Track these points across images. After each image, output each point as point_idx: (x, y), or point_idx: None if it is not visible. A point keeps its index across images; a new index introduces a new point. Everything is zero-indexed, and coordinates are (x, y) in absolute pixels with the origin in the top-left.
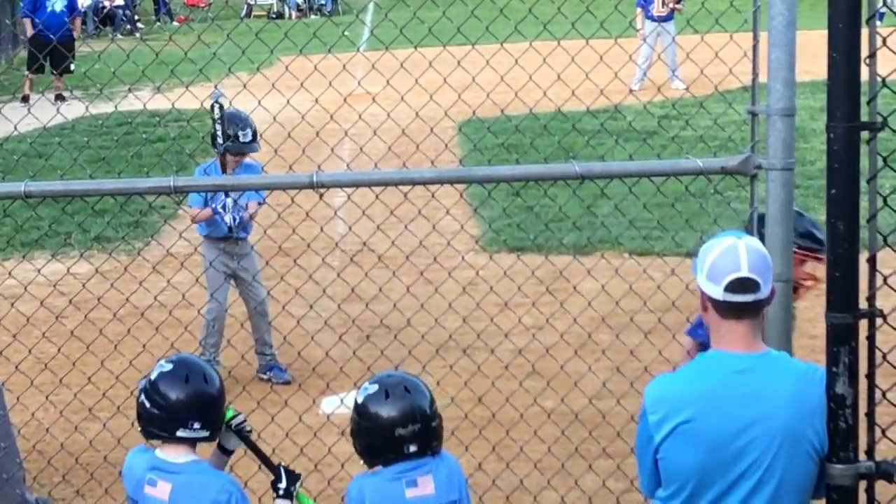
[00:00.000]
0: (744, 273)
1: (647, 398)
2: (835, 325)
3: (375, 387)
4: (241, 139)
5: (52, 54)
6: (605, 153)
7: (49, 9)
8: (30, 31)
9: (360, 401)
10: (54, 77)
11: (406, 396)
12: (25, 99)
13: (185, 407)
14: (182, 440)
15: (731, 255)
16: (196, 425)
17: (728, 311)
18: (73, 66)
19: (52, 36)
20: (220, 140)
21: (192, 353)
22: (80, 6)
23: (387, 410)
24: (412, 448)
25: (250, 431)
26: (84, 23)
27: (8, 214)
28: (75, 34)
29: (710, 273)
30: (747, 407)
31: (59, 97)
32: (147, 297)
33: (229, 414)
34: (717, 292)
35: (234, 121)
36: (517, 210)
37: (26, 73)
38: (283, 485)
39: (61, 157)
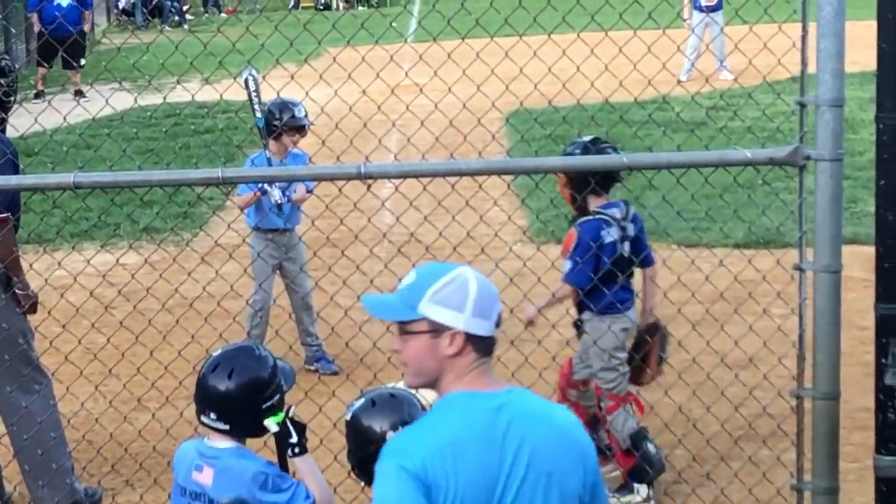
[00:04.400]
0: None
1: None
2: (884, 316)
3: (361, 400)
4: (296, 114)
5: (68, 51)
6: (653, 144)
7: (55, 2)
8: (37, 27)
9: (348, 417)
10: (71, 72)
11: (394, 401)
12: (39, 95)
13: (200, 395)
14: (215, 429)
15: (486, 286)
16: (212, 416)
17: (490, 348)
18: (82, 61)
19: (70, 28)
20: (258, 114)
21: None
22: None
23: (376, 416)
24: None
25: (293, 442)
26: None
27: (57, 205)
28: (86, 28)
29: (479, 309)
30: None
31: (78, 93)
32: (196, 287)
33: (276, 418)
34: (489, 328)
35: (286, 104)
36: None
37: (39, 69)
38: (294, 439)
39: (110, 149)
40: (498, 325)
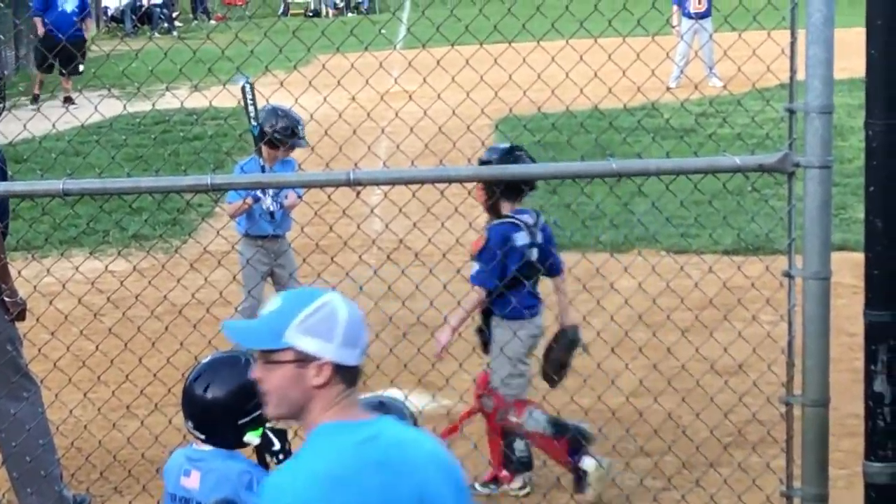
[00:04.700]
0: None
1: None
2: (873, 323)
3: None
4: (299, 134)
5: (61, 55)
6: (643, 151)
7: (60, 8)
8: (40, 31)
9: None
10: (63, 78)
11: (380, 407)
12: (35, 99)
13: (183, 402)
14: (195, 437)
15: (355, 314)
16: (190, 424)
17: (356, 378)
18: (81, 68)
19: (61, 36)
20: (254, 122)
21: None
22: (90, 7)
23: None
24: None
25: (276, 449)
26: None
27: (46, 212)
28: (86, 35)
29: (347, 338)
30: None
31: (68, 99)
32: (185, 294)
33: (256, 433)
34: (356, 357)
35: (291, 119)
36: (554, 208)
37: (35, 71)
38: (276, 446)
39: (99, 156)
40: (364, 353)
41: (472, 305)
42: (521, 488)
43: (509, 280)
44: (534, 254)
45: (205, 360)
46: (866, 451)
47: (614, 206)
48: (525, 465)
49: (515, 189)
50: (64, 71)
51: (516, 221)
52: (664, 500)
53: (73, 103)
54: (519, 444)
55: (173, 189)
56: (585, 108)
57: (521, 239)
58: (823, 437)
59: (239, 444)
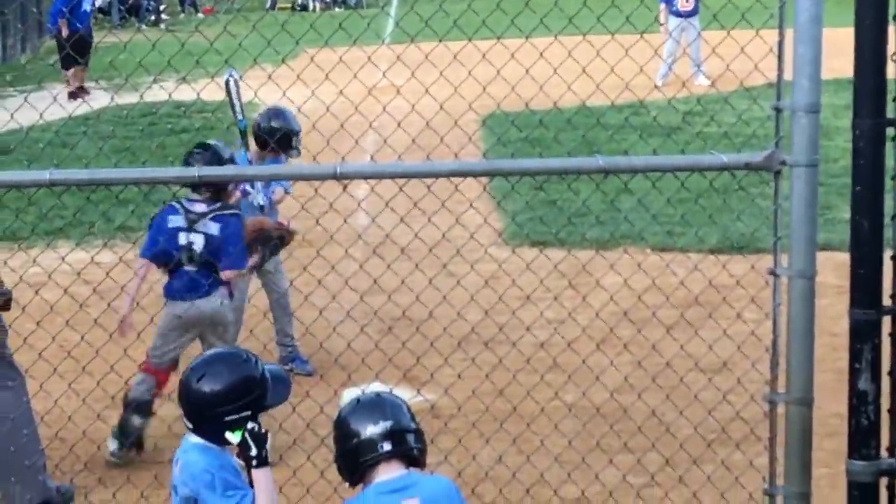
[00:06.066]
0: None
1: None
2: (858, 321)
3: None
4: (292, 144)
5: (80, 50)
6: (629, 148)
7: (83, 9)
8: (65, 32)
9: (335, 418)
10: (80, 70)
11: (376, 400)
12: (83, 90)
13: (179, 389)
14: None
15: None
16: (181, 411)
17: None
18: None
19: (82, 33)
20: (240, 117)
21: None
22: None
23: (357, 413)
24: (386, 446)
25: (253, 455)
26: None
27: (33, 202)
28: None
29: None
30: None
31: (73, 95)
32: None
33: (236, 434)
34: None
35: (288, 123)
36: (540, 204)
37: (66, 72)
38: (253, 451)
39: (86, 147)
40: None
41: (136, 280)
42: (111, 453)
43: (166, 259)
44: (194, 240)
45: (209, 352)
46: (850, 450)
47: (600, 204)
48: (131, 442)
49: (194, 184)
50: (81, 62)
51: (176, 205)
52: (647, 496)
53: (77, 98)
54: (136, 421)
55: (160, 180)
56: (573, 104)
57: (173, 222)
58: (807, 435)
59: (223, 441)
